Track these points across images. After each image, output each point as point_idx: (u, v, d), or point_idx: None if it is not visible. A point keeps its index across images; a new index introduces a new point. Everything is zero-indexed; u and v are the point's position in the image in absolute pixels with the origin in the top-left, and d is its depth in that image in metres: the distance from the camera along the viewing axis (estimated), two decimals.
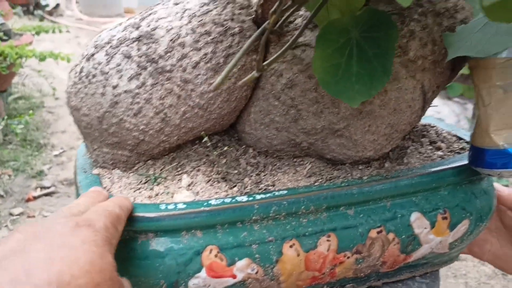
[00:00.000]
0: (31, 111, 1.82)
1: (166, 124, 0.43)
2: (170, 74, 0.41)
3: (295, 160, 0.47)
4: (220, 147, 0.48)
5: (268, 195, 0.41)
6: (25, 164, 1.85)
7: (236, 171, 0.46)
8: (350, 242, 0.42)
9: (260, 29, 0.36)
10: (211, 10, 0.43)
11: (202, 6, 0.43)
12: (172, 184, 0.44)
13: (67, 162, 1.89)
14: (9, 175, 1.75)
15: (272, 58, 0.37)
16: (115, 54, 0.42)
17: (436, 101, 2.21)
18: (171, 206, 0.39)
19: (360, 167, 0.46)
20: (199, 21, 0.42)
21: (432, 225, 0.45)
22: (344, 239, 0.42)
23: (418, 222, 0.44)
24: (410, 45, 0.41)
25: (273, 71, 0.44)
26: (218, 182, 0.44)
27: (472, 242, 0.54)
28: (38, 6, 4.52)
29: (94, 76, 0.42)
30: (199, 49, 0.42)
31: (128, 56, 0.42)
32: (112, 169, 0.46)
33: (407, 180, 0.44)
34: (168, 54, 0.41)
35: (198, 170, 0.45)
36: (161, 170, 0.45)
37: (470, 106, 2.43)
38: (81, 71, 0.43)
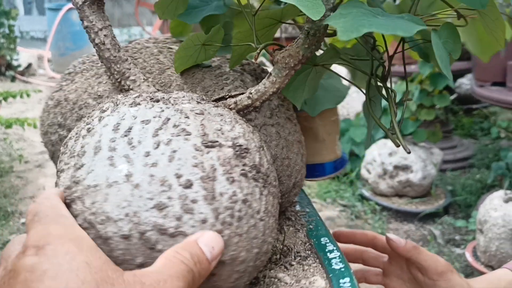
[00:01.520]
0: None
1: (272, 230, 0.40)
2: (269, 178, 0.40)
3: None
4: None
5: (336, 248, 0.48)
6: None
7: None
8: None
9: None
10: (232, 115, 0.42)
11: (225, 110, 0.42)
12: None
13: None
14: None
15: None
16: (234, 177, 0.35)
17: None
18: None
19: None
20: (247, 125, 0.41)
21: None
22: None
23: None
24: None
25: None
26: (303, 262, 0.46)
27: None
28: (9, 67, 4.80)
29: (240, 210, 0.34)
30: (265, 149, 0.42)
31: (245, 175, 0.36)
32: None
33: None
34: (261, 159, 0.39)
35: (272, 269, 0.44)
36: None
37: (436, 151, 2.48)
38: (231, 214, 0.33)
